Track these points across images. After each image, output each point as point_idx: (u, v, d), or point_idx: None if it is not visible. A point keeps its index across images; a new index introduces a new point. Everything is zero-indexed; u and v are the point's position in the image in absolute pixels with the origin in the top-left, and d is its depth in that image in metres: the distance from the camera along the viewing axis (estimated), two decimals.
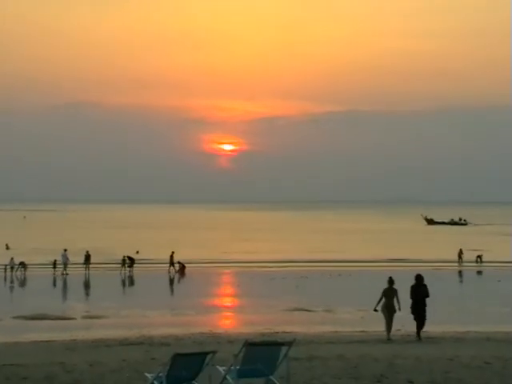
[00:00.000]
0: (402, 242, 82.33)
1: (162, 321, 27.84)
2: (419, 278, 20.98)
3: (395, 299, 20.83)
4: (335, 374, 14.59)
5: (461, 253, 57.25)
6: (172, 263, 48.88)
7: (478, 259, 56.61)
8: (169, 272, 47.93)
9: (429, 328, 21.20)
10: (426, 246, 74.24)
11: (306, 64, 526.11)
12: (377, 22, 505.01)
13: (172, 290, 41.25)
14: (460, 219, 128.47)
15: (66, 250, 47.74)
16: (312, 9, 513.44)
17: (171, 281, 44.96)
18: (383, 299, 20.95)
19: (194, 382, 12.06)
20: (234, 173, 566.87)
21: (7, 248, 66.61)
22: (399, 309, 20.84)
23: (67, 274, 45.92)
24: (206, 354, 12.21)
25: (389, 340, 20.58)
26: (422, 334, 21.00)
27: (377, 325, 25.72)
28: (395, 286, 20.98)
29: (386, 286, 21.04)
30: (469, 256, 57.10)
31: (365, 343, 20.29)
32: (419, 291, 20.74)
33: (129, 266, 48.65)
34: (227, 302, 36.63)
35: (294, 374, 13.73)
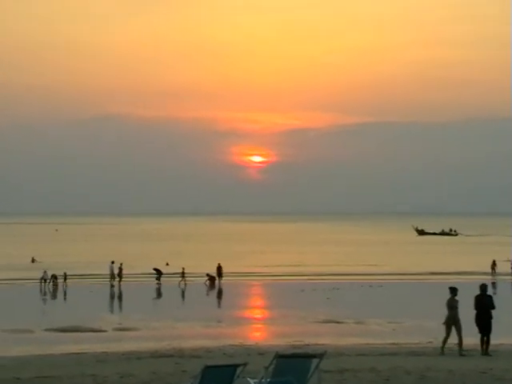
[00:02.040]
0: (424, 253, 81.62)
1: (193, 333, 27.86)
2: (484, 288, 19.44)
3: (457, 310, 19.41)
4: None
5: (494, 264, 56.62)
6: (220, 275, 48.76)
7: None
8: (218, 283, 47.84)
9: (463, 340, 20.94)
10: (449, 258, 73.47)
11: (334, 75, 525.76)
12: (405, 32, 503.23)
13: (202, 302, 41.27)
14: (450, 230, 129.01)
15: (113, 262, 48.03)
16: (341, 19, 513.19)
17: (201, 293, 45.00)
18: (447, 311, 19.51)
19: None
20: (263, 184, 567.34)
21: (33, 261, 66.77)
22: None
23: (113, 286, 46.28)
24: (237, 366, 12.18)
25: (462, 355, 19.28)
26: (455, 347, 20.72)
27: (409, 337, 25.49)
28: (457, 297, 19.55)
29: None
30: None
31: (397, 355, 20.10)
32: (484, 302, 19.32)
33: (157, 279, 48.65)
34: (257, 313, 36.56)
35: None
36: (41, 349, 23.51)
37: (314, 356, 12.65)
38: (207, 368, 11.88)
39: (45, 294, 44.12)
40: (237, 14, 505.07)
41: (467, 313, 19.84)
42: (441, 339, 20.53)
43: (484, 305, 19.35)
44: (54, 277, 47.24)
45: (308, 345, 23.39)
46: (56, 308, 38.98)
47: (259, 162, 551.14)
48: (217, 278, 48.59)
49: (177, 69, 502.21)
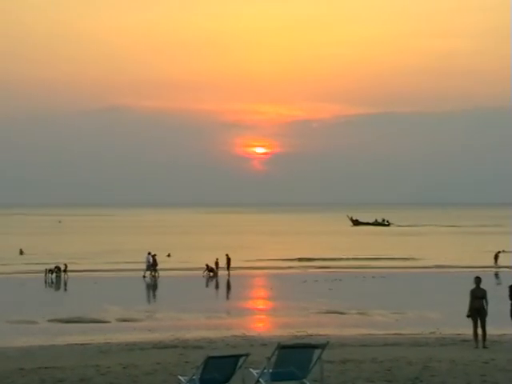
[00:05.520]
0: (414, 245, 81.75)
1: (196, 324, 27.92)
2: None
3: (484, 301, 19.05)
4: (369, 377, 14.52)
5: (497, 256, 56.62)
6: (229, 266, 48.73)
7: None
8: (227, 275, 47.91)
9: (465, 330, 20.98)
10: (448, 250, 73.58)
11: (339, 66, 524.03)
12: (409, 22, 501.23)
13: (204, 294, 41.33)
14: (383, 220, 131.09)
15: (149, 253, 48.13)
16: (344, 9, 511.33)
17: (205, 284, 45.08)
18: (471, 301, 19.07)
19: None
20: (266, 175, 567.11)
21: (21, 253, 66.04)
22: (486, 313, 19.00)
23: (154, 277, 46.63)
24: (239, 356, 12.23)
25: (477, 348, 18.96)
26: (457, 337, 20.73)
27: (411, 327, 25.52)
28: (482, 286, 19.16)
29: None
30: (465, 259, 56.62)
31: (399, 346, 20.14)
32: None
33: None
34: (260, 304, 36.63)
35: (328, 377, 13.69)
36: (44, 339, 23.59)
37: (316, 346, 12.69)
38: (210, 358, 11.93)
39: (49, 285, 44.22)
40: (242, 5, 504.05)
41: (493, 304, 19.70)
42: (443, 329, 20.56)
43: None
44: (58, 268, 47.33)
45: (310, 335, 23.43)
46: (59, 299, 39.06)
47: (263, 154, 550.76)
48: (226, 270, 48.53)
49: (181, 60, 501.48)
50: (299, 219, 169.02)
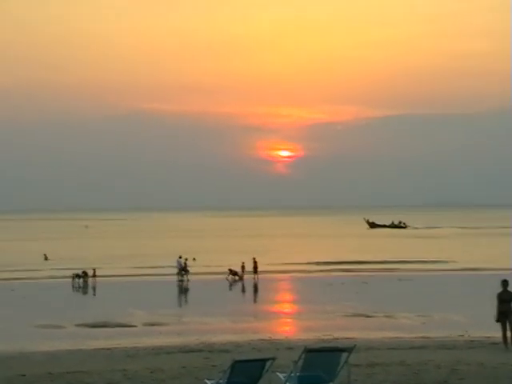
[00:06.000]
0: (437, 246, 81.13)
1: (221, 327, 27.93)
2: None
3: None
4: (396, 380, 14.42)
5: None
6: (256, 270, 48.73)
7: None
8: (254, 279, 47.77)
9: (494, 333, 20.75)
10: (473, 251, 72.94)
11: (360, 69, 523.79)
12: (430, 24, 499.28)
13: (230, 297, 41.35)
14: (400, 222, 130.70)
15: (180, 257, 48.35)
16: (364, 13, 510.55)
17: (230, 288, 45.09)
18: (499, 305, 18.90)
19: None
20: (291, 178, 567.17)
21: (46, 259, 66.34)
22: None
23: (182, 281, 46.84)
24: (266, 360, 12.20)
25: (507, 351, 18.79)
26: (486, 340, 20.50)
27: (439, 330, 25.31)
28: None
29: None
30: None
31: (426, 349, 19.99)
32: None
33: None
34: (286, 308, 36.55)
35: (355, 380, 13.62)
36: (71, 344, 23.72)
37: (343, 350, 12.62)
38: (236, 362, 11.91)
39: (76, 290, 44.47)
40: (263, 9, 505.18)
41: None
42: (472, 332, 20.34)
43: None
44: (85, 273, 47.61)
45: (337, 339, 23.33)
46: (86, 304, 39.27)
47: (286, 157, 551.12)
48: (255, 274, 48.43)
49: (204, 64, 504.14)
50: (320, 222, 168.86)
